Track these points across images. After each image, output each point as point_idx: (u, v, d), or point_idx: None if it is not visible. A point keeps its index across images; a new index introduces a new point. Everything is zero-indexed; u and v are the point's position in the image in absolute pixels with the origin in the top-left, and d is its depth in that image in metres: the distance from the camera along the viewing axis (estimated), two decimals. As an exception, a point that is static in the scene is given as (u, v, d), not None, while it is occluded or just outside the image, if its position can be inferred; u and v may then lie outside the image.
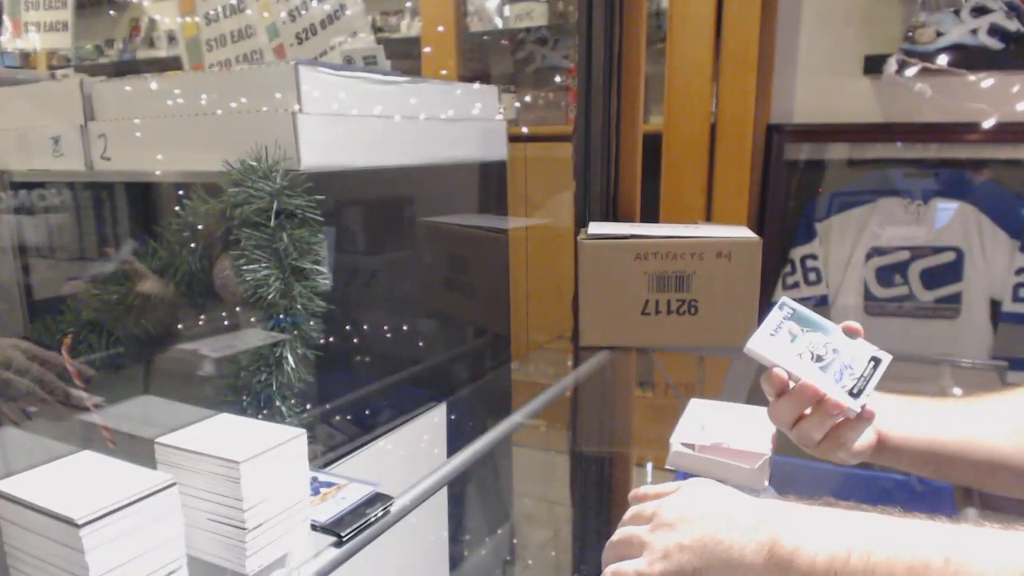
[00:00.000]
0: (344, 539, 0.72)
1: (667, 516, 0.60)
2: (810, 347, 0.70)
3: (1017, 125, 1.86)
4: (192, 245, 0.98)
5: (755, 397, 0.92)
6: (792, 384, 0.70)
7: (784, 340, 0.71)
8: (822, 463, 1.30)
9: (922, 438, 0.71)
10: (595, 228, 1.34)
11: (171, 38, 3.72)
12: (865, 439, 0.69)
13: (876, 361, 0.70)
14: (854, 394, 0.68)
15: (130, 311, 1.01)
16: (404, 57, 2.91)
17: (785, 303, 0.72)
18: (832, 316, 0.74)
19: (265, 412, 0.89)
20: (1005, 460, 0.69)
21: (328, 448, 1.05)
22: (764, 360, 0.71)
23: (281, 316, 0.90)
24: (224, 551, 0.66)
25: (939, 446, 0.70)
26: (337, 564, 0.71)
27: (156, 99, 1.04)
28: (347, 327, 1.07)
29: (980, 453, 0.69)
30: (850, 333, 0.72)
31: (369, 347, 1.15)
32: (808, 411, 0.70)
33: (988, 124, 1.87)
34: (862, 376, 0.69)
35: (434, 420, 1.25)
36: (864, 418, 0.68)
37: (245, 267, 0.88)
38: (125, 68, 3.79)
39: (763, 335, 0.71)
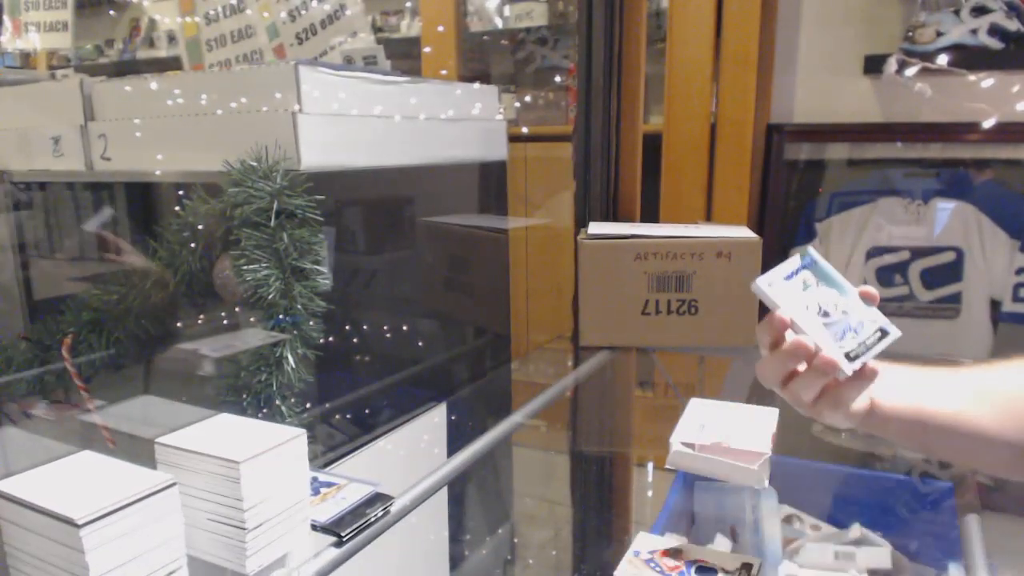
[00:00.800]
0: (344, 539, 0.72)
1: None
2: (819, 301, 0.67)
3: (1017, 125, 1.86)
4: (192, 245, 0.98)
5: (755, 397, 0.92)
6: (789, 335, 0.67)
7: (795, 287, 0.67)
8: (822, 463, 1.30)
9: (911, 407, 0.70)
10: (595, 228, 1.34)
11: (171, 38, 3.72)
12: (860, 402, 0.68)
13: (883, 333, 0.67)
14: (850, 357, 0.65)
15: (130, 311, 1.01)
16: (404, 57, 2.92)
17: (808, 252, 0.69)
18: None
19: (265, 412, 0.89)
20: (992, 437, 0.68)
21: (328, 448, 1.05)
22: (769, 301, 0.67)
23: (281, 316, 0.90)
24: (224, 551, 0.66)
25: (928, 417, 0.69)
26: (337, 564, 0.71)
27: (156, 99, 1.04)
28: (347, 327, 1.07)
29: (967, 428, 0.69)
30: (866, 299, 0.69)
31: (369, 347, 1.15)
32: (801, 369, 0.67)
33: (988, 124, 1.87)
34: (864, 343, 0.66)
35: (434, 420, 1.25)
36: (866, 377, 0.66)
37: (245, 267, 0.88)
38: (125, 68, 3.79)
39: (775, 276, 0.68)
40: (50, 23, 1.75)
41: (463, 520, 1.41)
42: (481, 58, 3.00)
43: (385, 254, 1.18)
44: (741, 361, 1.30)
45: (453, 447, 1.23)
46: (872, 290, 0.69)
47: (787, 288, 0.67)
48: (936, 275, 1.95)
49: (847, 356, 0.65)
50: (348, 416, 1.10)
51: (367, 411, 1.14)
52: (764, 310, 0.72)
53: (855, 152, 2.08)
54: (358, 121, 1.05)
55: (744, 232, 1.29)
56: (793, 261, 0.68)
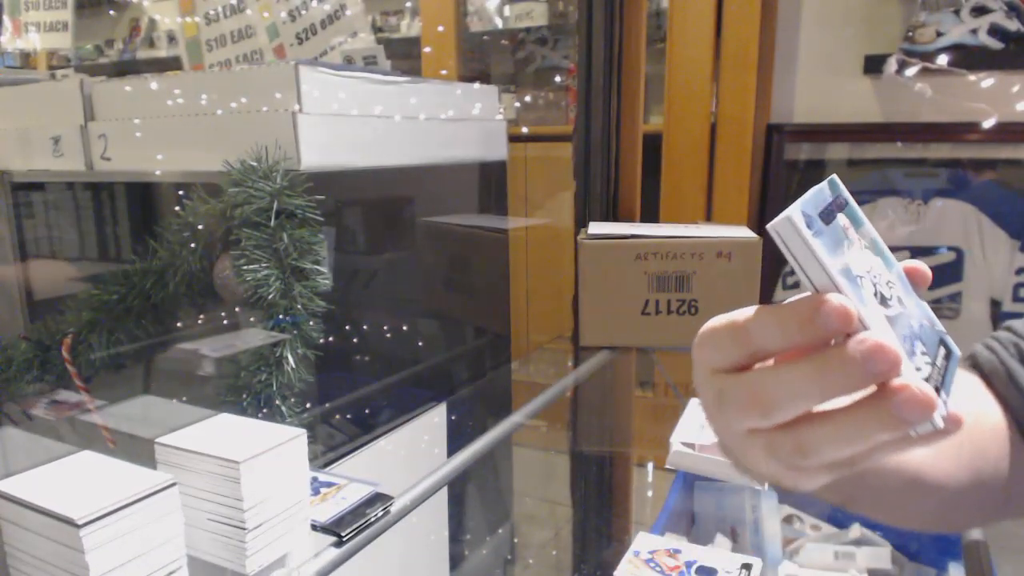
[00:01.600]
0: (344, 539, 0.72)
1: None
2: (871, 275, 0.34)
3: (1017, 125, 1.86)
4: (192, 245, 0.98)
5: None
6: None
7: (837, 240, 0.34)
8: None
9: None
10: (595, 228, 1.34)
11: (171, 38, 3.73)
12: None
13: (948, 351, 0.36)
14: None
15: (130, 311, 1.01)
16: (404, 57, 2.92)
17: (836, 182, 0.36)
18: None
19: (265, 412, 0.89)
20: (927, 479, 0.46)
21: (328, 448, 1.05)
22: (809, 262, 0.32)
23: (281, 316, 0.90)
24: (224, 551, 0.66)
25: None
26: (337, 564, 0.71)
27: (156, 99, 1.04)
28: (347, 327, 1.07)
29: (906, 469, 0.46)
30: (915, 282, 0.37)
31: (369, 347, 1.15)
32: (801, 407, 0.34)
33: (988, 124, 1.87)
34: (935, 364, 0.34)
35: (434, 420, 1.25)
36: (948, 431, 0.32)
37: (245, 267, 0.88)
38: (125, 68, 3.79)
39: (811, 211, 0.33)
40: (50, 23, 1.75)
41: (463, 520, 1.41)
42: (481, 58, 3.01)
43: (385, 254, 1.18)
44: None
45: (453, 447, 1.23)
46: (923, 267, 0.37)
47: (829, 243, 0.33)
48: (936, 275, 1.95)
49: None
50: (348, 416, 1.10)
51: (367, 411, 1.14)
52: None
53: (855, 152, 2.08)
54: (358, 121, 1.05)
55: (744, 232, 1.29)
56: (822, 194, 0.35)
